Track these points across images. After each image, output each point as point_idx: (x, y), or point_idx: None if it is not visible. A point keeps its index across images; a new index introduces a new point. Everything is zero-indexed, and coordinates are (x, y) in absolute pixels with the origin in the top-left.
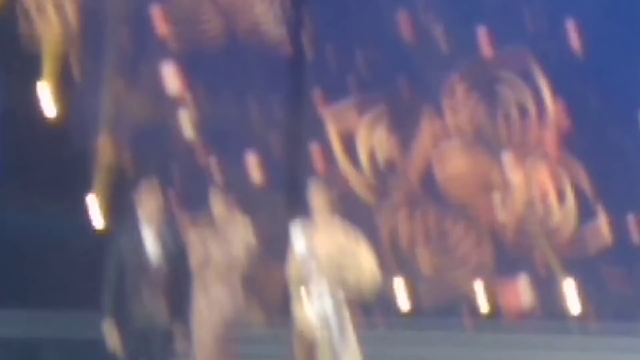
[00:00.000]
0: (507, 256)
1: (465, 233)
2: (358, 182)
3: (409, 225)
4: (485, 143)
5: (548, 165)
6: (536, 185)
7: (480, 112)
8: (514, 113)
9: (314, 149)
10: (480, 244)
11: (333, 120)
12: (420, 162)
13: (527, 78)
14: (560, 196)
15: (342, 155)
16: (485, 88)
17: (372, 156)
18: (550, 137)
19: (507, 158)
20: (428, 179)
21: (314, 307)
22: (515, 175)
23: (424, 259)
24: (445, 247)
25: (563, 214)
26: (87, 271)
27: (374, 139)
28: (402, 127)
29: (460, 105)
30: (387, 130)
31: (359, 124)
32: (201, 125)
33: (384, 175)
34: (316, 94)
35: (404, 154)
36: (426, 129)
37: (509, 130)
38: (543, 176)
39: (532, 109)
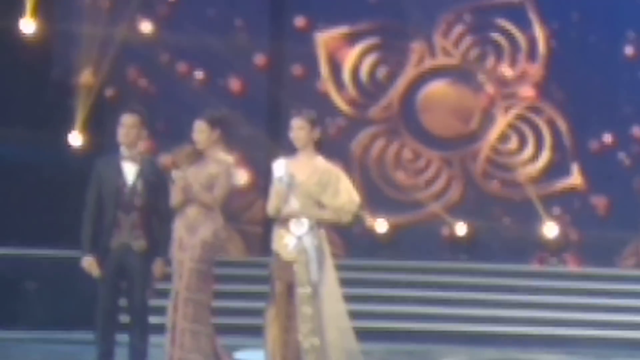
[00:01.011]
0: (478, 194)
1: (438, 169)
2: (341, 101)
3: (383, 153)
4: (471, 84)
5: (528, 108)
6: (511, 127)
7: (470, 54)
8: (507, 56)
9: (296, 70)
10: (452, 181)
11: (324, 46)
12: (404, 93)
13: (524, 26)
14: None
15: (329, 78)
16: (480, 32)
17: (357, 79)
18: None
19: (489, 98)
20: (409, 110)
21: (293, 240)
22: (495, 117)
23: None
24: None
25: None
26: (66, 203)
27: (362, 65)
28: (392, 59)
29: (451, 46)
30: (377, 59)
31: (350, 52)
32: (184, 51)
33: (366, 100)
34: (300, 21)
35: (389, 83)
36: (414, 63)
37: (496, 74)
38: (520, 117)
39: (522, 61)
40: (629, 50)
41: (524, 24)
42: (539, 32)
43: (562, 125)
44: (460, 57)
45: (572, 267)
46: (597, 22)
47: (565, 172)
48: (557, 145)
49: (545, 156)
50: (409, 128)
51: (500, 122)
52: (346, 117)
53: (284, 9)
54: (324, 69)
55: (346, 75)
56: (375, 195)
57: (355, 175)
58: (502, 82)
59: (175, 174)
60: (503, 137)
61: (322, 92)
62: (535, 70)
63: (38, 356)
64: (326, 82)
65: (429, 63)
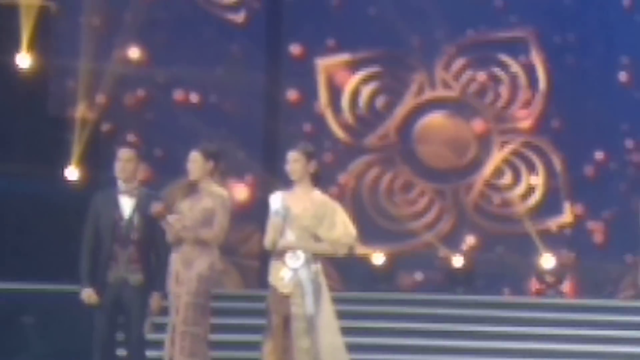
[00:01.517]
0: (468, 224)
1: (430, 201)
2: (338, 127)
3: (377, 183)
4: (468, 117)
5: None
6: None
7: (470, 88)
8: (504, 97)
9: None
10: (444, 213)
11: (324, 71)
12: (401, 122)
13: (525, 61)
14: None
15: (327, 104)
16: (481, 66)
17: (356, 106)
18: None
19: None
20: (405, 140)
21: (289, 273)
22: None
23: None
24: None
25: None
26: (64, 236)
27: (362, 93)
28: (391, 88)
29: (451, 78)
30: (376, 88)
31: (350, 79)
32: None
33: (363, 128)
34: (296, 48)
35: (387, 112)
36: (413, 94)
37: (496, 109)
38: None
39: (521, 97)
40: (622, 77)
41: (526, 60)
42: (540, 68)
43: (557, 161)
44: (459, 90)
45: (570, 298)
46: (596, 53)
47: (558, 209)
48: (551, 181)
49: (538, 194)
50: (404, 158)
51: (496, 156)
52: (342, 143)
53: (280, 36)
54: (323, 95)
55: (345, 102)
56: (366, 223)
57: (348, 202)
58: (499, 117)
59: (170, 218)
60: (497, 172)
61: (319, 117)
62: (534, 106)
63: None
64: (325, 108)
65: (428, 94)
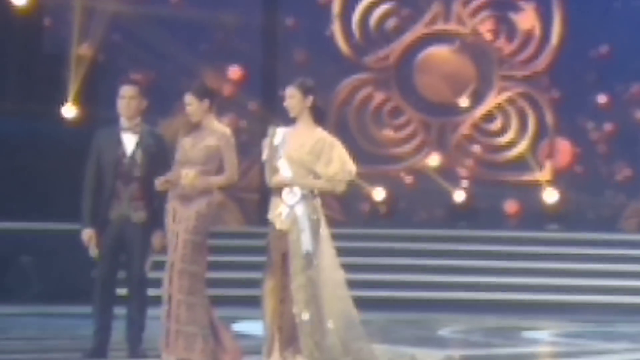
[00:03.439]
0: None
1: (414, 130)
2: (344, 41)
3: (366, 102)
4: (474, 57)
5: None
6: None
7: (483, 28)
8: (517, 41)
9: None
10: (424, 146)
11: None
12: (406, 48)
13: (544, 14)
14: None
15: (339, 12)
16: (499, 10)
17: (365, 24)
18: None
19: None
20: (404, 67)
21: (286, 210)
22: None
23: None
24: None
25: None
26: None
27: (376, 11)
28: (405, 12)
29: (467, 15)
30: (391, 9)
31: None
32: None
33: (367, 47)
34: None
35: (395, 36)
36: (426, 23)
37: (502, 53)
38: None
39: (531, 48)
40: None
41: (546, 12)
42: (557, 24)
43: (549, 117)
44: (472, 27)
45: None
46: None
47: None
48: (539, 135)
49: (522, 145)
50: (398, 83)
51: (491, 101)
52: (344, 57)
53: None
54: (337, 2)
55: (356, 15)
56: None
57: (332, 118)
58: (504, 62)
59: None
60: (488, 116)
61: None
62: (541, 59)
63: (35, 330)
64: (336, 17)
65: (439, 26)
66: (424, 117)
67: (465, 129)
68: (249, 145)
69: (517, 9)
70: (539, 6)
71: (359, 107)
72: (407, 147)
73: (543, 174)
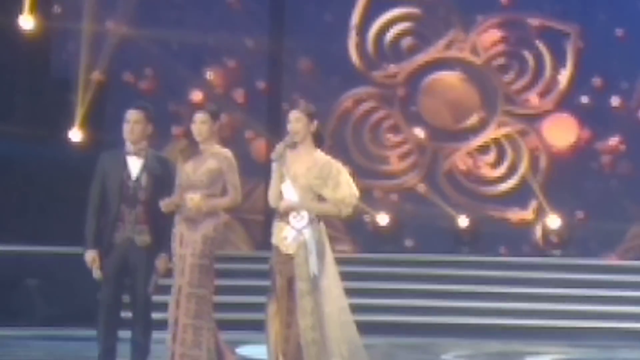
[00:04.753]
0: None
1: (409, 151)
2: (356, 53)
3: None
4: (481, 87)
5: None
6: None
7: (498, 61)
8: (527, 77)
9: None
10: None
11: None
12: (416, 69)
13: (559, 52)
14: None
15: (357, 24)
16: (515, 45)
17: (381, 38)
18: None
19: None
20: (410, 87)
21: (292, 233)
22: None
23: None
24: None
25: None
26: (67, 199)
27: (393, 28)
28: (422, 34)
29: (482, 46)
30: (408, 28)
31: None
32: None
33: (378, 61)
34: None
35: (407, 55)
36: (440, 47)
37: (509, 89)
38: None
39: (546, 82)
40: None
41: (559, 53)
42: (570, 68)
43: (543, 158)
44: (485, 59)
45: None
46: None
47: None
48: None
49: (511, 182)
50: (401, 102)
51: (489, 133)
52: (354, 68)
53: None
54: (357, 13)
55: (374, 29)
56: (341, 152)
57: (331, 128)
58: (509, 97)
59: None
60: (483, 148)
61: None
62: (547, 99)
63: (40, 353)
64: (353, 29)
65: (453, 52)
66: (420, 139)
67: (458, 156)
68: (252, 166)
69: (532, 48)
70: (553, 49)
71: (359, 120)
72: (399, 165)
73: (526, 214)
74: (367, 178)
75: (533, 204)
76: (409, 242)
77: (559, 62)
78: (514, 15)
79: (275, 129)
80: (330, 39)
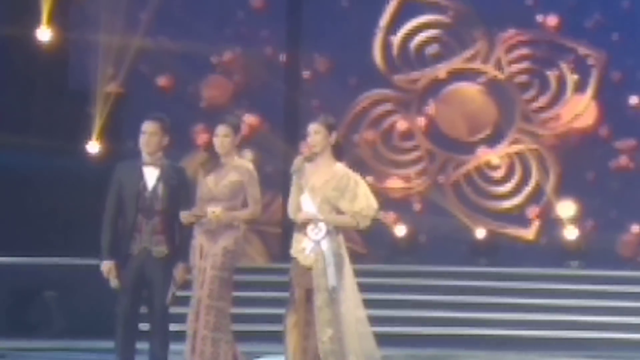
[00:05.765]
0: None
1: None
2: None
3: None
4: (500, 103)
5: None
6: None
7: (521, 78)
8: (549, 97)
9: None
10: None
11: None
12: (437, 77)
13: (582, 70)
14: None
15: (385, 27)
16: (539, 64)
17: (407, 43)
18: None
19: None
20: (429, 95)
21: (310, 245)
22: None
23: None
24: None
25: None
26: (84, 211)
27: (420, 34)
28: (448, 42)
29: (506, 62)
30: (435, 36)
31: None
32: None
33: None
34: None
35: (431, 62)
36: (464, 58)
37: (527, 107)
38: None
39: (567, 103)
40: None
41: (584, 76)
42: (591, 91)
43: (553, 177)
44: (507, 75)
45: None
46: None
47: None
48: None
49: (516, 200)
50: (418, 108)
51: (501, 149)
52: (375, 70)
53: None
54: (386, 17)
55: (400, 33)
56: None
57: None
58: (527, 115)
59: (208, 213)
60: (493, 164)
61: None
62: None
63: None
64: (381, 31)
65: (477, 65)
66: (432, 147)
67: (467, 168)
68: (270, 178)
69: (555, 67)
70: (578, 73)
71: (374, 121)
72: (408, 171)
73: (528, 233)
74: (377, 178)
75: (549, 216)
76: (426, 254)
77: (581, 87)
78: (542, 34)
79: (293, 140)
80: (352, 39)
